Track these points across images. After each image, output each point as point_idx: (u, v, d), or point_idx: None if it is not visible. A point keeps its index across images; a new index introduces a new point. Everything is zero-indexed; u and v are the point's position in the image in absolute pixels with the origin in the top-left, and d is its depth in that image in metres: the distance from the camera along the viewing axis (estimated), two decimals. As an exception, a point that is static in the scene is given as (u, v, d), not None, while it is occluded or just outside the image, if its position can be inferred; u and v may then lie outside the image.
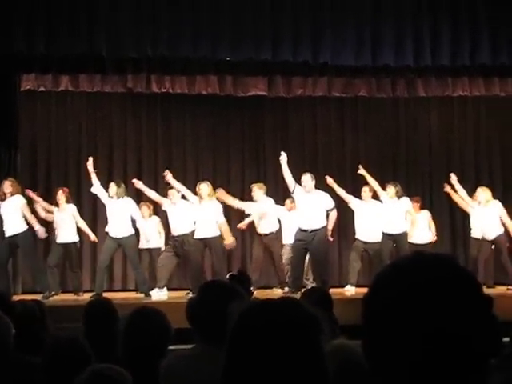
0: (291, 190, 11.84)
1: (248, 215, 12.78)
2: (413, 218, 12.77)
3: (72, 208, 12.26)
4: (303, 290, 8.69)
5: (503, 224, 12.33)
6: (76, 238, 12.32)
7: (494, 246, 12.47)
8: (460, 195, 12.68)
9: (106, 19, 11.49)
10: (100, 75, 12.33)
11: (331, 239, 12.55)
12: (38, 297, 9.64)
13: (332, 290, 9.78)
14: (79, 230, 12.40)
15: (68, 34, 11.42)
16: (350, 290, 12.13)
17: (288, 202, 12.74)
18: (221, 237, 12.07)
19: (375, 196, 12.41)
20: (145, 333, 3.62)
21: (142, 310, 3.83)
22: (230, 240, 12.07)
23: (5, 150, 12.21)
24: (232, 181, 14.73)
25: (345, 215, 13.01)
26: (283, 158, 11.70)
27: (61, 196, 12.18)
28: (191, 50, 11.73)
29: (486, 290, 1.39)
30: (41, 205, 12.36)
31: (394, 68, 12.47)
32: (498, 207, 12.37)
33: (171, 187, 12.12)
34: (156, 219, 12.99)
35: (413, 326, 1.31)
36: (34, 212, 12.00)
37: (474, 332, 1.31)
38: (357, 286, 12.09)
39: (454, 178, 12.69)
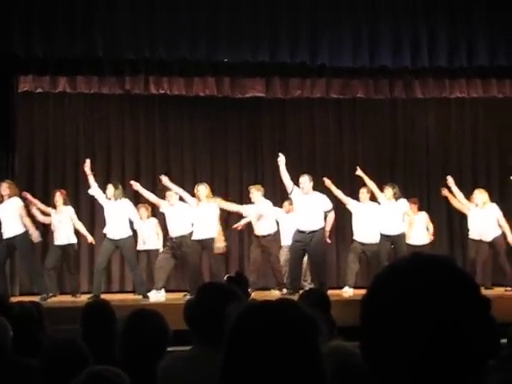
0: (289, 192, 11.83)
1: (245, 217, 12.80)
2: (410, 220, 12.78)
3: (69, 210, 12.25)
4: (301, 291, 8.69)
5: (500, 226, 12.34)
6: (74, 240, 12.31)
7: (491, 248, 12.48)
8: (457, 198, 12.68)
9: (103, 21, 11.49)
10: (97, 77, 12.33)
11: (329, 241, 12.55)
12: (36, 298, 9.62)
13: (330, 292, 9.77)
14: (77, 232, 12.40)
15: (65, 36, 11.43)
16: (347, 292, 12.12)
17: (286, 203, 12.75)
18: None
19: (373, 197, 12.41)
20: (143, 334, 3.62)
21: (140, 311, 3.82)
22: (220, 244, 12.09)
23: (2, 152, 12.19)
24: (230, 182, 14.74)
25: (342, 217, 13.00)
26: (281, 159, 11.69)
27: (58, 198, 12.18)
28: (189, 51, 11.74)
29: (484, 292, 1.39)
30: (38, 207, 12.36)
31: (391, 69, 12.48)
32: (495, 209, 12.38)
33: (169, 189, 12.16)
34: (154, 221, 12.98)
35: (411, 328, 1.31)
36: (30, 215, 12.00)
37: (472, 333, 1.31)
38: (355, 287, 12.09)
39: (450, 181, 12.69)
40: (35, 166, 14.16)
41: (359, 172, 12.45)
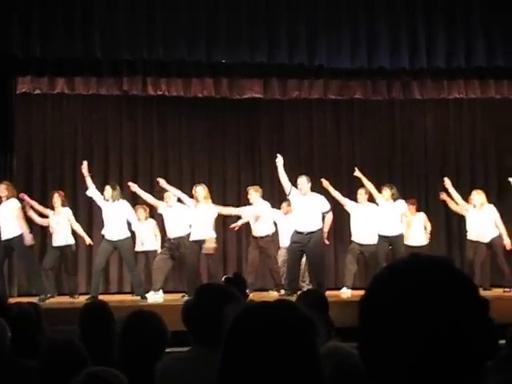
0: (287, 193, 11.82)
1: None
2: (409, 220, 12.79)
3: (67, 211, 12.26)
4: (299, 292, 8.68)
5: (498, 227, 12.36)
6: (71, 241, 12.31)
7: (489, 249, 12.49)
8: (455, 199, 12.68)
9: (101, 22, 11.48)
10: (96, 78, 12.31)
11: (327, 242, 12.54)
12: (34, 299, 9.60)
13: (328, 293, 9.78)
14: (75, 233, 12.40)
15: (64, 37, 11.42)
16: (345, 293, 12.11)
17: (284, 205, 12.74)
18: (216, 239, 12.11)
19: (371, 198, 12.41)
20: (141, 335, 3.61)
21: (138, 312, 3.82)
22: (210, 245, 12.05)
23: (0, 153, 12.18)
24: (228, 183, 14.75)
25: (340, 218, 13.00)
26: (279, 160, 11.69)
27: (56, 199, 12.18)
28: (187, 52, 11.73)
29: (483, 293, 1.39)
30: (36, 208, 12.35)
31: (389, 70, 12.47)
32: (492, 210, 12.39)
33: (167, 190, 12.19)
34: (152, 222, 12.98)
35: (409, 329, 1.31)
36: (27, 217, 12.01)
37: (470, 334, 1.31)
38: (353, 288, 12.08)
39: (447, 183, 12.70)
40: (33, 166, 14.16)
41: (357, 173, 12.45)
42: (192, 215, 11.93)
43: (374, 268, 11.89)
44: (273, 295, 12.04)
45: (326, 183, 12.30)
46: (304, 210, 11.56)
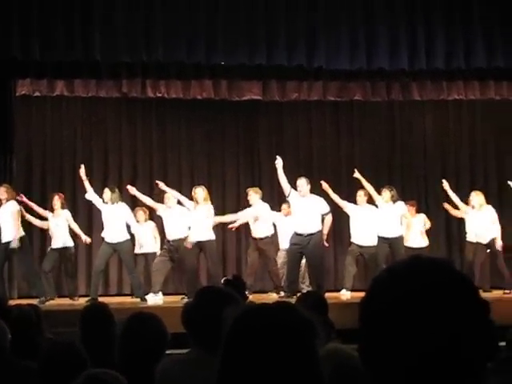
0: (287, 195, 11.81)
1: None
2: (408, 222, 12.78)
3: (66, 214, 12.26)
4: (299, 294, 8.68)
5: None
6: (70, 244, 12.30)
7: (489, 250, 12.47)
8: (454, 202, 12.68)
9: (100, 24, 11.48)
10: (95, 80, 12.31)
11: (327, 244, 12.52)
12: (34, 301, 9.60)
13: (327, 295, 9.79)
14: (74, 235, 12.39)
15: (63, 39, 11.42)
16: (345, 295, 12.11)
17: (285, 206, 12.72)
18: (215, 240, 12.12)
19: (370, 200, 12.40)
20: (141, 337, 3.61)
21: (138, 314, 3.82)
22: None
23: (0, 156, 12.19)
24: (227, 185, 14.74)
25: (340, 220, 13.00)
26: (278, 162, 11.68)
27: (56, 201, 12.18)
28: (186, 54, 11.73)
29: (483, 294, 1.39)
30: (34, 210, 12.36)
31: (388, 72, 12.47)
32: (491, 211, 12.40)
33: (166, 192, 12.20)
34: (151, 224, 12.98)
35: (409, 331, 1.31)
36: (25, 220, 12.01)
37: (470, 336, 1.31)
38: (352, 290, 12.07)
39: (446, 184, 12.70)
40: (33, 169, 14.16)
41: (357, 174, 12.44)
42: (191, 217, 11.92)
43: (373, 270, 11.88)
44: (272, 297, 12.04)
45: (325, 186, 12.28)
46: (303, 212, 11.55)
